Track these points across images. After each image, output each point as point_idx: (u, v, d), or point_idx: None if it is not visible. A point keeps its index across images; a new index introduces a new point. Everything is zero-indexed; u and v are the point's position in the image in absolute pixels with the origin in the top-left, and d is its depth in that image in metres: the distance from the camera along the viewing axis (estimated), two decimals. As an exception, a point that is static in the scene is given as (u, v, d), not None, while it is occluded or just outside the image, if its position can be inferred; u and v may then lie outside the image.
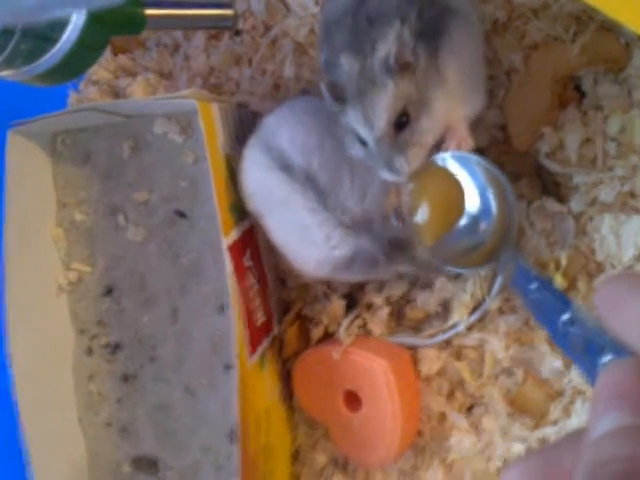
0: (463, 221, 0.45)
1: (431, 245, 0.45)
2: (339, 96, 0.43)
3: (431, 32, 0.42)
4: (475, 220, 0.45)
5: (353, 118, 0.43)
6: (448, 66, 0.43)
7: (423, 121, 0.43)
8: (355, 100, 0.42)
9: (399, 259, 0.49)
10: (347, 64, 0.42)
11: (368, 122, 0.42)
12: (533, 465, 0.23)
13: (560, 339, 0.27)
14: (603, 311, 0.23)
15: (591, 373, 0.24)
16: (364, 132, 0.43)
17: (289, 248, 0.51)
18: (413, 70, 0.42)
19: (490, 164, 0.44)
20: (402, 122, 0.42)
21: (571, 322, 0.27)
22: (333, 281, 0.55)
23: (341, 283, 0.55)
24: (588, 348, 0.25)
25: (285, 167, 0.48)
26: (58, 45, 0.41)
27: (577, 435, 0.22)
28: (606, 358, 0.23)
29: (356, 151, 0.45)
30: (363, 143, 0.44)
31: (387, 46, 0.41)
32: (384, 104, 0.42)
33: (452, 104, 0.44)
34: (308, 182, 0.48)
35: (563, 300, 0.29)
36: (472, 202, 0.45)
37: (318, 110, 0.49)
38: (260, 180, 0.50)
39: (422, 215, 0.45)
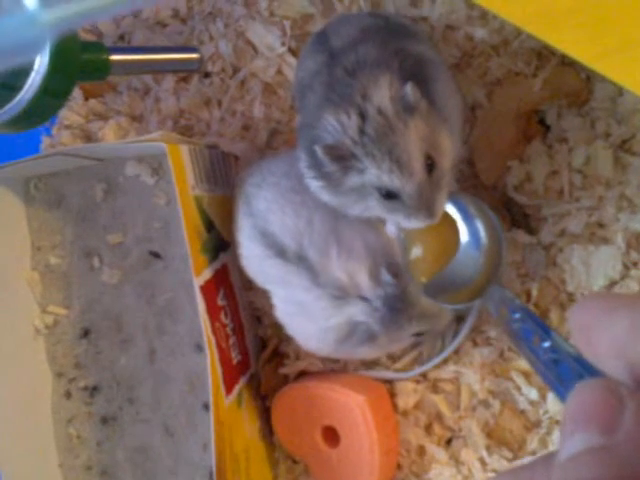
0: (455, 257, 0.44)
1: (425, 282, 0.45)
2: (341, 156, 0.41)
3: (415, 79, 0.41)
4: (465, 256, 0.44)
5: (377, 171, 0.40)
6: (446, 106, 0.43)
7: (444, 161, 0.42)
8: (374, 152, 0.40)
9: (401, 320, 0.47)
10: (335, 119, 0.41)
11: (402, 169, 0.40)
12: None
13: (541, 367, 0.27)
14: (577, 335, 0.22)
15: None
16: (398, 182, 0.40)
17: (292, 326, 0.51)
18: (421, 111, 0.41)
19: (477, 200, 0.44)
20: (430, 165, 0.41)
21: (552, 349, 0.27)
22: (345, 359, 0.54)
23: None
24: (567, 375, 0.25)
25: (279, 252, 0.48)
26: (21, 93, 0.41)
27: (550, 456, 0.22)
28: None
29: (371, 209, 0.43)
30: (390, 196, 0.41)
31: (384, 91, 0.40)
32: (414, 145, 0.40)
33: (453, 143, 0.43)
34: (301, 262, 0.47)
35: (544, 328, 0.30)
36: (463, 238, 0.44)
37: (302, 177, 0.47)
38: (258, 267, 0.51)
39: (416, 252, 0.45)
